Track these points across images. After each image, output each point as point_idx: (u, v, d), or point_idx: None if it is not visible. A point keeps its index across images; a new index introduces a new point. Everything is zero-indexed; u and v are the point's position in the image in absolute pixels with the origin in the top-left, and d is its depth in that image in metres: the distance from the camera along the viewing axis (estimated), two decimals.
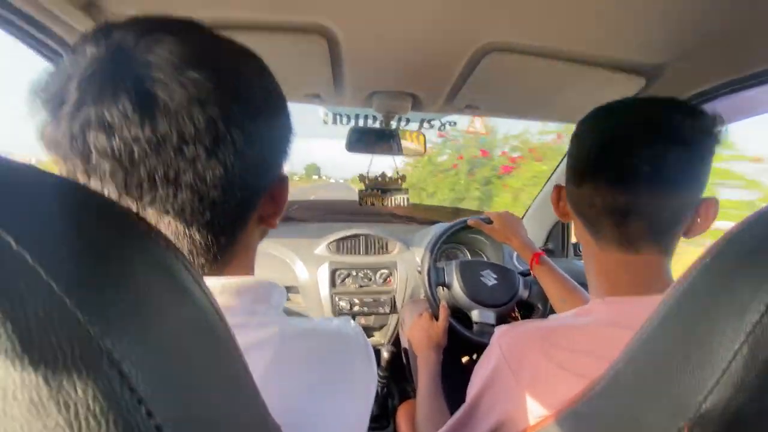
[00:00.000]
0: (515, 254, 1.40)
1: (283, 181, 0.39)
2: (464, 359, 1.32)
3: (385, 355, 1.36)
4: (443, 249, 1.49)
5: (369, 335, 1.46)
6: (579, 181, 0.52)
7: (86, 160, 0.28)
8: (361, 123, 1.13)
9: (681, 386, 0.26)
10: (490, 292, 1.10)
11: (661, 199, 0.45)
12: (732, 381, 0.24)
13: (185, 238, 0.32)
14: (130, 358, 0.14)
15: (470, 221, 1.09)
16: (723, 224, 0.42)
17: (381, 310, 1.37)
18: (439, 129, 1.18)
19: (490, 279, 1.12)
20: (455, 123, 1.17)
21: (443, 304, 1.03)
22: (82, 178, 0.29)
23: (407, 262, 1.42)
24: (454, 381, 0.91)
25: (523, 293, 1.12)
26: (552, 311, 0.97)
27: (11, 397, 0.13)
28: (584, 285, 0.65)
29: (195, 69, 0.28)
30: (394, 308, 1.38)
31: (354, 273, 1.37)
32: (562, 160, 1.41)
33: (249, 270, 0.40)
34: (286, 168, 0.41)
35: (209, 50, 0.31)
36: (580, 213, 0.53)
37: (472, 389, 0.54)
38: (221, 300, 0.34)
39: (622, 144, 0.47)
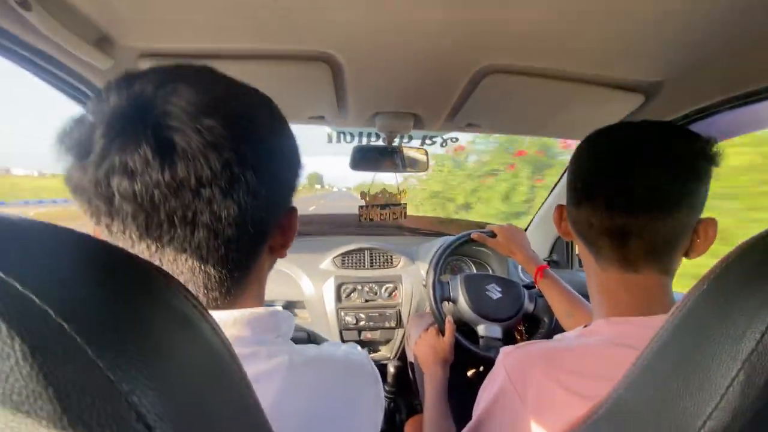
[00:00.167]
0: (520, 266, 1.40)
1: (292, 213, 0.41)
2: (470, 373, 1.31)
3: (391, 369, 1.36)
4: (448, 262, 1.50)
5: (375, 350, 1.46)
6: (577, 202, 0.53)
7: (110, 203, 0.30)
8: (364, 141, 1.16)
9: (681, 411, 0.27)
10: (496, 306, 1.10)
11: (657, 220, 0.46)
12: (730, 407, 0.25)
13: (201, 274, 0.34)
14: (155, 412, 0.16)
15: (473, 235, 1.10)
16: None
17: (387, 325, 1.37)
18: (441, 145, 1.20)
19: (495, 293, 1.13)
20: (457, 139, 1.19)
21: (449, 319, 1.03)
22: (105, 220, 0.31)
23: (412, 275, 1.42)
24: (460, 395, 0.91)
25: (529, 306, 1.12)
26: (558, 324, 0.97)
27: None
28: (588, 297, 0.65)
29: (210, 116, 0.30)
30: (399, 322, 1.38)
31: (359, 287, 1.38)
32: (561, 176, 1.42)
33: (260, 300, 0.41)
34: None
35: (223, 98, 0.33)
36: (579, 233, 0.54)
37: (478, 409, 0.54)
38: (233, 331, 0.35)
39: (617, 167, 0.48)
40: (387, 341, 1.43)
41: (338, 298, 1.36)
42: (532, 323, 1.15)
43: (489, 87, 0.77)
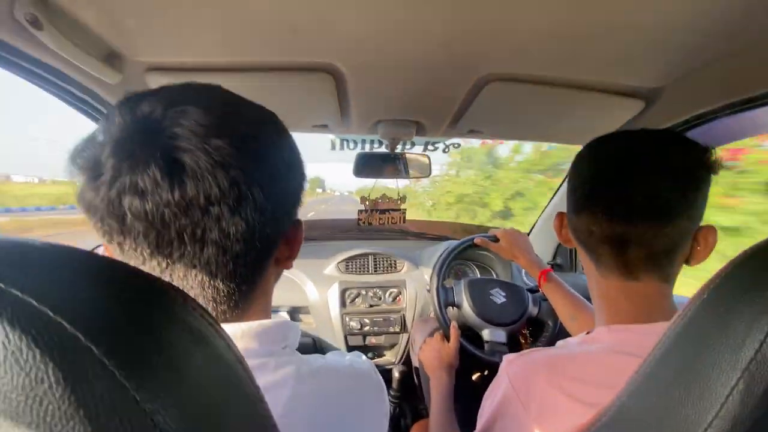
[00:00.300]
0: (524, 270, 1.40)
1: (297, 226, 0.42)
2: (475, 377, 1.31)
3: (396, 374, 1.36)
4: (452, 266, 1.51)
5: (380, 354, 1.46)
6: (577, 210, 0.53)
7: (122, 222, 0.31)
8: (367, 147, 1.17)
9: (682, 419, 0.28)
10: (500, 311, 1.10)
11: (657, 228, 0.47)
12: (730, 415, 0.25)
13: (210, 288, 0.35)
14: (177, 429, 0.17)
15: (476, 240, 1.10)
16: None
17: (391, 329, 1.38)
18: (444, 151, 1.21)
19: (499, 297, 1.13)
20: (459, 145, 1.20)
21: (454, 324, 1.04)
22: (117, 239, 0.32)
23: (416, 280, 1.43)
24: (465, 399, 0.92)
25: (533, 310, 1.12)
26: (562, 328, 0.98)
27: None
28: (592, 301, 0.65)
29: (218, 136, 0.31)
30: (404, 327, 1.39)
31: (364, 292, 1.39)
32: (562, 183, 1.42)
33: (267, 312, 0.42)
34: None
35: (230, 118, 0.34)
36: (580, 241, 0.55)
37: (482, 418, 0.55)
38: (242, 344, 0.36)
39: (617, 175, 0.49)
40: (391, 346, 1.44)
41: (343, 304, 1.37)
42: (536, 327, 1.16)
43: (490, 94, 0.78)
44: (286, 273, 0.46)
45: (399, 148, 1.13)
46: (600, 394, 0.38)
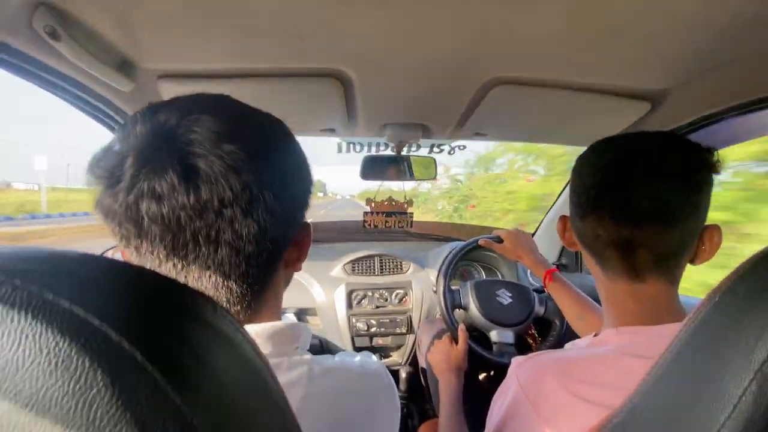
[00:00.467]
0: (530, 270, 1.40)
1: (305, 228, 0.43)
2: (482, 377, 1.32)
3: (403, 375, 1.37)
4: (457, 268, 1.51)
5: (386, 355, 1.47)
6: (582, 214, 0.53)
7: (139, 226, 0.32)
8: (373, 150, 1.18)
9: (695, 420, 0.28)
10: (507, 311, 1.11)
11: (663, 232, 0.47)
12: (742, 417, 0.25)
13: (224, 289, 0.36)
14: (214, 430, 0.17)
15: (481, 241, 1.10)
16: None
17: (398, 330, 1.38)
18: (449, 153, 1.21)
19: (505, 298, 1.13)
20: (464, 147, 1.21)
21: (462, 327, 1.04)
22: (134, 242, 0.33)
23: (422, 281, 1.43)
24: (474, 400, 0.92)
25: (540, 310, 1.13)
26: (570, 327, 0.98)
27: None
28: (599, 300, 0.65)
29: (230, 142, 0.32)
30: (410, 328, 1.40)
31: (370, 294, 1.40)
32: (565, 187, 1.42)
33: (278, 314, 0.43)
34: None
35: (241, 124, 0.35)
36: (585, 245, 0.55)
37: (492, 421, 0.55)
38: None
39: (621, 180, 0.49)
40: (398, 347, 1.44)
41: (349, 305, 1.37)
42: (543, 327, 1.16)
43: (496, 98, 0.79)
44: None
45: (405, 151, 1.14)
46: (609, 396, 0.39)
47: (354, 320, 1.36)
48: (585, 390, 0.44)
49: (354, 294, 1.39)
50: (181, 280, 0.34)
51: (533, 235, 1.58)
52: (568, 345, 0.57)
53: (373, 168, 1.15)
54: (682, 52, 0.62)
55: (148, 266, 0.32)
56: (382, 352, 1.46)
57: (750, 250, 0.30)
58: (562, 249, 1.50)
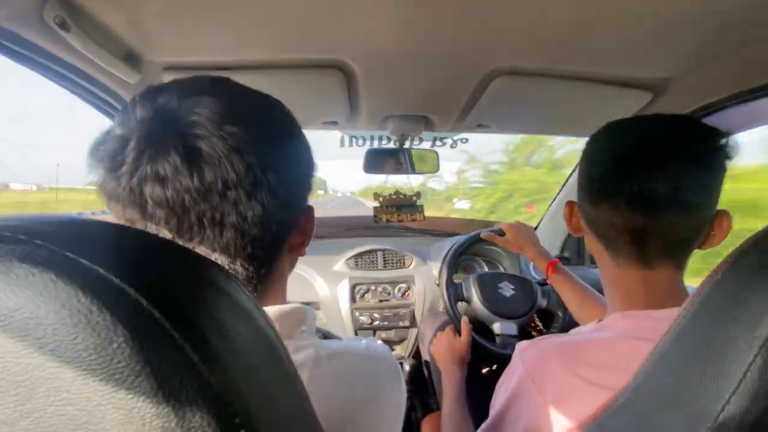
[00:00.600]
0: (532, 263, 1.40)
1: (309, 212, 0.43)
2: (485, 370, 1.32)
3: (406, 368, 1.37)
4: (460, 261, 1.51)
5: (390, 349, 1.47)
6: (595, 201, 0.51)
7: (143, 209, 0.32)
8: (376, 143, 1.18)
9: (700, 397, 0.28)
10: (510, 304, 1.11)
11: (680, 220, 0.46)
12: (748, 392, 0.25)
13: (230, 271, 0.36)
14: (231, 389, 0.18)
15: (483, 234, 1.10)
16: None
17: (401, 324, 1.39)
18: (452, 146, 1.22)
19: (508, 290, 1.14)
20: (467, 140, 1.21)
21: (465, 319, 1.04)
22: (140, 225, 0.33)
23: (424, 275, 1.44)
24: (477, 393, 0.93)
25: (542, 302, 1.13)
26: (573, 318, 0.98)
27: (148, 425, 0.16)
28: (601, 292, 0.65)
29: (232, 123, 0.32)
30: (413, 322, 1.40)
31: (373, 288, 1.41)
32: (572, 172, 1.42)
33: (283, 298, 0.44)
34: None
35: (241, 105, 0.35)
36: (596, 231, 0.54)
37: (496, 404, 0.55)
38: None
39: (639, 165, 0.47)
40: (401, 340, 1.45)
41: (352, 299, 1.38)
42: (546, 318, 1.16)
43: (498, 89, 0.79)
44: (296, 269, 0.47)
45: (407, 144, 1.14)
46: (615, 378, 0.39)
47: (357, 314, 1.37)
48: (590, 373, 0.45)
49: (357, 288, 1.40)
50: None
51: (536, 227, 1.58)
52: (572, 331, 0.57)
53: (376, 161, 1.15)
54: (684, 41, 0.62)
55: None
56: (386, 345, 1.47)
57: None
58: (565, 242, 1.50)
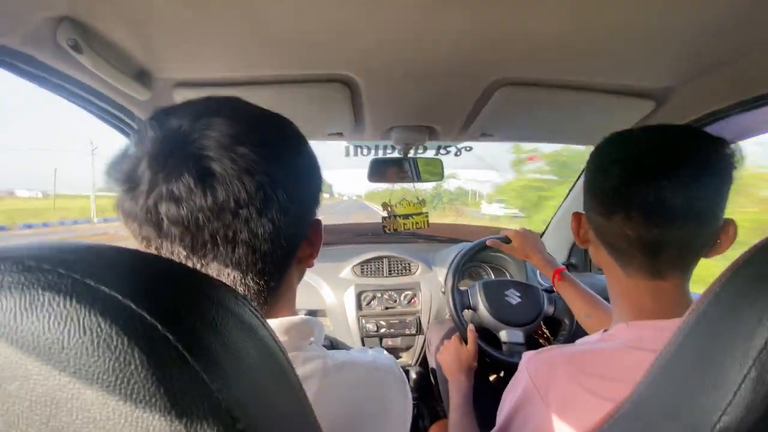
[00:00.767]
0: (539, 270, 1.40)
1: (317, 226, 0.44)
2: (492, 378, 1.32)
3: (413, 375, 1.37)
4: (466, 269, 1.51)
5: (396, 356, 1.48)
6: (608, 212, 0.50)
7: (159, 227, 0.33)
8: (380, 153, 1.20)
9: (697, 408, 0.29)
10: (516, 311, 1.11)
11: (694, 231, 0.46)
12: (743, 402, 0.26)
13: (242, 286, 0.37)
14: (238, 406, 0.19)
15: (488, 242, 1.11)
16: None
17: (407, 332, 1.39)
18: (456, 154, 1.23)
19: (514, 298, 1.14)
20: (471, 148, 1.22)
21: (471, 327, 1.05)
22: (155, 243, 0.35)
23: (430, 282, 1.44)
24: (484, 401, 0.93)
25: (549, 309, 1.13)
26: (579, 327, 0.98)
27: None
28: (608, 299, 0.64)
29: (243, 144, 0.34)
30: (420, 329, 1.40)
31: (379, 295, 1.41)
32: (574, 184, 1.41)
33: (292, 309, 0.45)
34: None
35: (252, 127, 0.37)
36: (607, 243, 0.53)
37: (502, 413, 0.56)
38: None
39: (652, 175, 0.46)
40: (408, 348, 1.45)
41: (359, 306, 1.39)
42: (553, 326, 1.16)
43: (501, 99, 0.80)
44: (304, 278, 0.48)
45: (411, 153, 1.15)
46: (619, 389, 0.39)
47: (363, 321, 1.37)
48: (595, 384, 0.45)
49: (363, 295, 1.40)
50: None
51: (542, 235, 1.58)
52: (578, 341, 0.57)
53: (380, 171, 1.17)
54: (686, 50, 0.63)
55: None
56: (392, 353, 1.46)
57: None
58: (571, 249, 1.49)
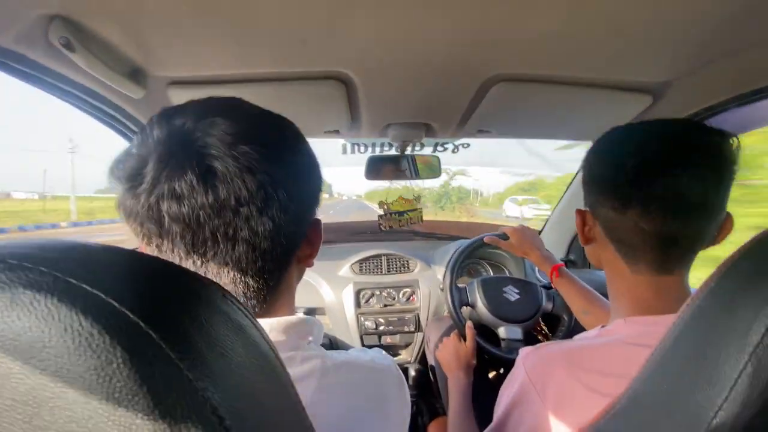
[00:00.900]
0: (537, 267, 1.39)
1: (316, 225, 0.44)
2: (491, 375, 1.32)
3: (412, 373, 1.37)
4: (464, 266, 1.51)
5: (395, 354, 1.48)
6: (622, 206, 0.49)
7: (160, 225, 0.33)
8: (377, 150, 1.19)
9: (693, 403, 0.28)
10: (515, 308, 1.11)
11: (705, 225, 0.47)
12: (739, 398, 0.26)
13: (241, 284, 0.37)
14: (224, 405, 0.19)
15: (486, 238, 1.10)
16: None
17: (406, 329, 1.39)
18: (453, 151, 1.22)
19: (512, 294, 1.14)
20: (468, 145, 1.21)
21: (469, 324, 1.05)
22: (156, 241, 0.35)
23: (429, 279, 1.44)
24: (483, 397, 0.93)
25: (547, 306, 1.13)
26: (578, 323, 0.97)
27: None
28: (606, 295, 0.64)
29: (244, 143, 0.34)
30: (418, 326, 1.40)
31: (378, 292, 1.41)
32: (572, 181, 1.41)
33: (291, 309, 0.45)
34: None
35: (254, 126, 0.37)
36: (617, 239, 0.52)
37: (499, 408, 0.56)
38: (271, 337, 0.39)
39: (672, 169, 0.46)
40: (407, 345, 1.45)
41: (357, 304, 1.39)
42: (552, 322, 1.16)
43: (498, 95, 0.79)
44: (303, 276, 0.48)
45: (409, 150, 1.15)
46: (616, 385, 0.39)
47: (362, 319, 1.38)
48: (592, 379, 0.45)
49: (362, 293, 1.40)
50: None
51: (540, 231, 1.58)
52: (577, 336, 0.57)
53: (378, 168, 1.16)
54: (683, 45, 0.62)
55: None
56: (391, 350, 1.47)
57: None
58: (570, 245, 1.49)
